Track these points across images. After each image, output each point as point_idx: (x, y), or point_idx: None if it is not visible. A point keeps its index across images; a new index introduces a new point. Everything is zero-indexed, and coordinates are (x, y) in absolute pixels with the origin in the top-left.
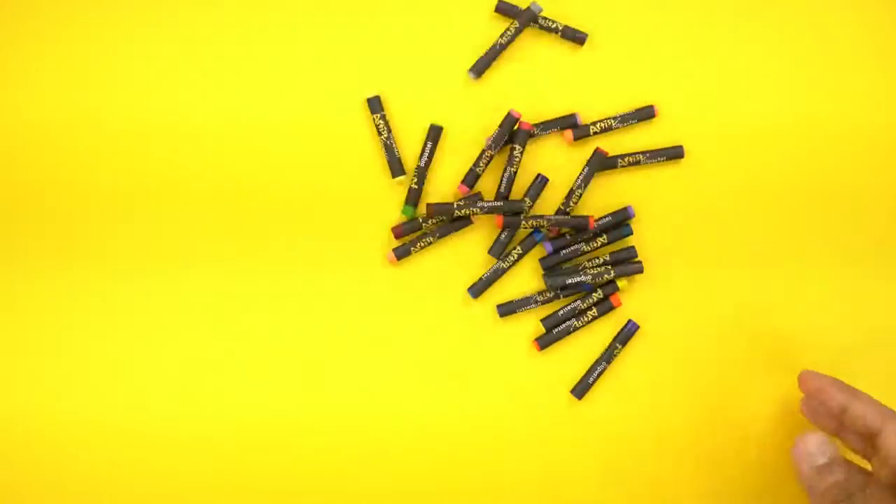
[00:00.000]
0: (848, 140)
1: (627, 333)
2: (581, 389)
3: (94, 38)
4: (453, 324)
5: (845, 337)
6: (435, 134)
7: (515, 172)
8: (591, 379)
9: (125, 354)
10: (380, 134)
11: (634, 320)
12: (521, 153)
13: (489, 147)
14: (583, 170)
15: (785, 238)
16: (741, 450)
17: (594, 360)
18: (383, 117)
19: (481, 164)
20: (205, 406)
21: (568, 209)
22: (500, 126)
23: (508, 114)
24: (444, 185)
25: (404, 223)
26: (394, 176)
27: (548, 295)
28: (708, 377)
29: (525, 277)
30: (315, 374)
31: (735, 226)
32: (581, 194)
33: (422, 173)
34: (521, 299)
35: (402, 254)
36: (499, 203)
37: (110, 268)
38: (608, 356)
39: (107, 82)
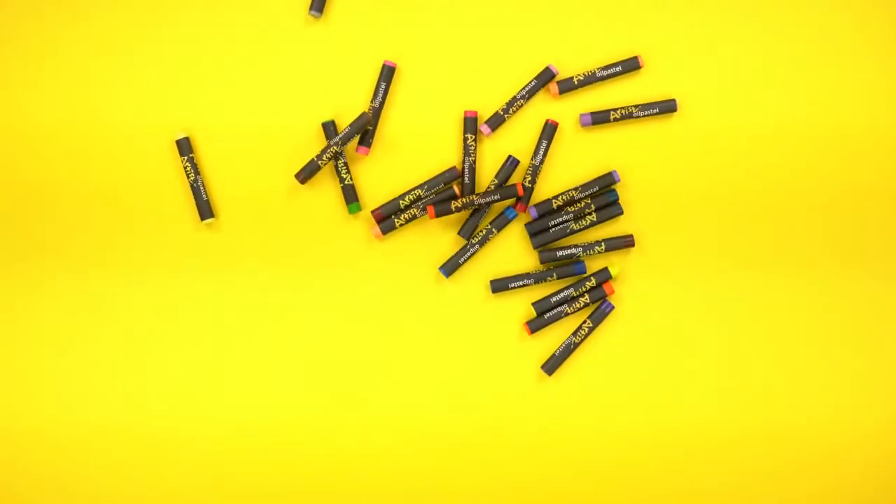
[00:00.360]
0: (842, 112)
1: (601, 314)
2: (551, 365)
3: None
4: (436, 303)
5: (842, 333)
6: (330, 130)
7: (474, 161)
8: (560, 354)
9: (124, 357)
10: (187, 176)
11: (612, 301)
12: (475, 141)
13: (373, 101)
14: (538, 143)
15: (784, 231)
16: (715, 442)
17: (566, 337)
18: (191, 159)
19: (371, 123)
20: (198, 404)
21: (532, 184)
22: (378, 80)
23: (383, 65)
24: (374, 176)
25: (383, 205)
26: (202, 219)
27: (541, 270)
28: (694, 368)
29: (518, 254)
30: (304, 368)
31: (731, 206)
32: (539, 168)
33: (348, 169)
34: (515, 276)
35: (386, 228)
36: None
37: (108, 271)
38: (578, 333)
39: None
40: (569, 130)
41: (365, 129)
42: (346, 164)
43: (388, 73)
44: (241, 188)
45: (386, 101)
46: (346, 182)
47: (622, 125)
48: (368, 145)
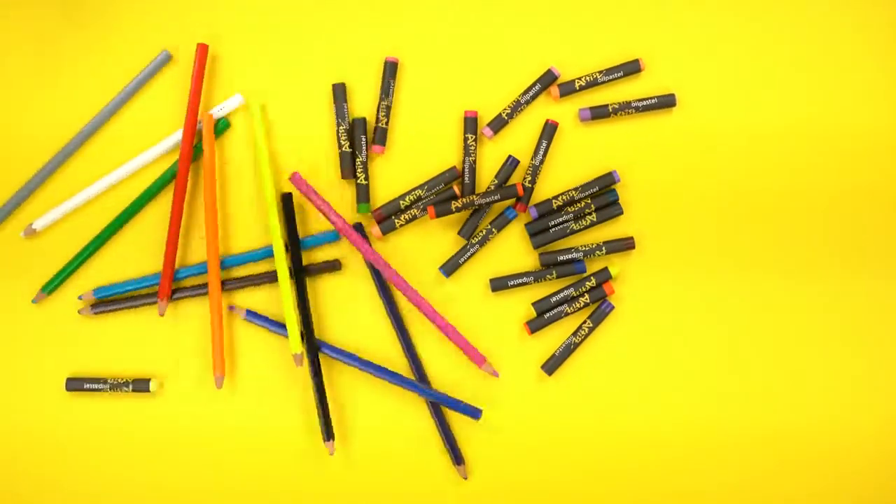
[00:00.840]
0: (842, 112)
1: (601, 314)
2: (551, 365)
3: None
4: (436, 303)
5: (842, 333)
6: (362, 127)
7: (475, 161)
8: (560, 354)
9: (122, 359)
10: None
11: (612, 301)
12: (475, 142)
13: (382, 97)
14: (538, 143)
15: (783, 231)
16: (715, 443)
17: (566, 337)
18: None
19: (382, 119)
20: (197, 404)
21: (532, 184)
22: (383, 77)
23: (386, 60)
24: (373, 176)
25: (383, 205)
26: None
27: (541, 269)
28: (694, 368)
29: (518, 254)
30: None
31: (730, 206)
32: (539, 168)
33: (366, 168)
34: (514, 274)
35: (386, 229)
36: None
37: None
38: (578, 333)
39: None
40: (569, 131)
41: (383, 132)
42: (364, 163)
43: (391, 69)
44: (247, 185)
45: (393, 98)
46: (360, 181)
47: (622, 124)
48: (383, 143)
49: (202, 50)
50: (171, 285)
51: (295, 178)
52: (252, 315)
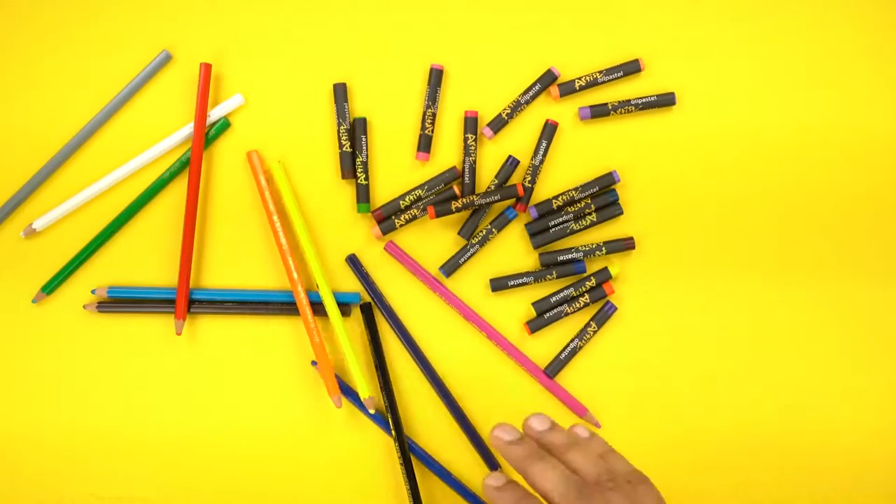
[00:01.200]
0: (842, 114)
1: (604, 315)
2: (554, 367)
3: None
4: (437, 304)
5: (845, 330)
6: (362, 127)
7: (475, 161)
8: (564, 356)
9: (116, 362)
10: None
11: (614, 303)
12: (475, 142)
13: (428, 106)
14: (538, 143)
15: (783, 231)
16: (717, 443)
17: (570, 339)
18: None
19: (428, 126)
20: (197, 404)
21: (532, 184)
22: (429, 84)
23: (431, 68)
24: (374, 176)
25: (383, 205)
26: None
27: (541, 269)
28: (694, 367)
29: (518, 254)
30: (302, 366)
31: (730, 205)
32: (539, 168)
33: (366, 168)
34: (514, 275)
35: (386, 229)
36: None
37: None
38: (583, 335)
39: None
40: (569, 131)
41: (428, 139)
42: (364, 163)
43: (437, 76)
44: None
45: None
46: (360, 181)
47: (621, 123)
48: (427, 151)
49: (206, 69)
50: (187, 305)
51: (389, 247)
52: (346, 391)
